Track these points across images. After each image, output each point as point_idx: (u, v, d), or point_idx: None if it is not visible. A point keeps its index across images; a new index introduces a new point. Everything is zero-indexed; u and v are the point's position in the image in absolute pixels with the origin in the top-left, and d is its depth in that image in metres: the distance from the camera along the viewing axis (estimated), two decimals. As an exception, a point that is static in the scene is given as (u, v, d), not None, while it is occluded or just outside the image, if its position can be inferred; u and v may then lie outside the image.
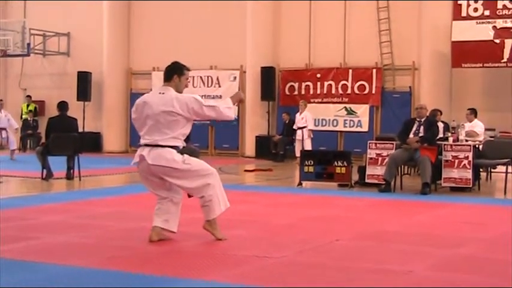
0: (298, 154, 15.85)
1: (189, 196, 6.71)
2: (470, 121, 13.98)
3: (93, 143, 22.06)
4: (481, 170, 12.62)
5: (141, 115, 6.33)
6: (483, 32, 17.01)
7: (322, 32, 20.09)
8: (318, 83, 20.03)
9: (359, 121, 19.46)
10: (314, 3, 20.23)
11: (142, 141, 6.30)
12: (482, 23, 17.05)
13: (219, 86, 21.25)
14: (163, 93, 6.28)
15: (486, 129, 14.44)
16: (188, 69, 6.48)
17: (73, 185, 12.11)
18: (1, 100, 19.25)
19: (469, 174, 11.24)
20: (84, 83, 22.34)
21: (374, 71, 19.33)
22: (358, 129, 19.39)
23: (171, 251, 5.98)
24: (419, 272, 5.27)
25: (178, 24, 21.85)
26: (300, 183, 12.15)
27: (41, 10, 23.64)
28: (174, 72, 6.39)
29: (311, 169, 11.99)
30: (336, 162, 11.80)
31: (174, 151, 6.19)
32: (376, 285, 4.83)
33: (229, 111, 6.31)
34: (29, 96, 22.82)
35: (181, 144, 6.31)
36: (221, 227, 6.45)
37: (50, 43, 23.94)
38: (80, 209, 8.69)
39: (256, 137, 20.27)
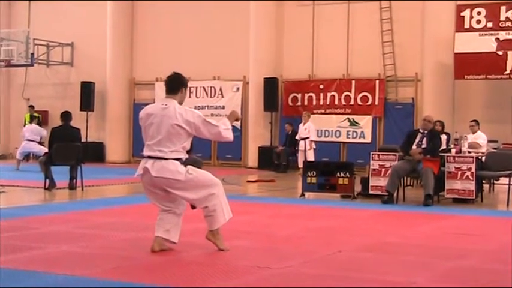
0: (300, 165, 15.83)
1: (193, 208, 6.69)
2: (473, 133, 13.98)
3: (96, 153, 22.11)
4: (483, 181, 12.61)
5: (145, 127, 6.31)
6: (486, 43, 17.04)
7: (325, 43, 20.15)
8: (321, 94, 20.07)
9: (362, 132, 19.48)
10: (317, 14, 20.29)
11: (145, 153, 6.29)
12: (485, 34, 17.08)
13: (222, 97, 21.30)
14: (166, 105, 6.25)
15: (489, 141, 14.43)
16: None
17: (76, 195, 12.12)
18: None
19: (472, 185, 11.22)
20: (87, 93, 22.42)
21: (377, 82, 19.36)
22: (361, 140, 19.40)
23: (173, 261, 5.97)
24: (421, 283, 5.26)
25: (181, 34, 21.91)
26: (302, 194, 12.14)
27: (45, 20, 23.74)
28: (181, 85, 6.38)
29: (314, 180, 11.98)
30: (338, 173, 11.80)
31: (178, 163, 6.18)
32: (378, 297, 4.83)
33: (229, 133, 6.27)
34: (31, 106, 22.82)
35: (184, 156, 6.29)
36: (223, 237, 6.45)
37: (53, 53, 24.04)
38: (82, 219, 8.69)
39: (259, 147, 20.28)
